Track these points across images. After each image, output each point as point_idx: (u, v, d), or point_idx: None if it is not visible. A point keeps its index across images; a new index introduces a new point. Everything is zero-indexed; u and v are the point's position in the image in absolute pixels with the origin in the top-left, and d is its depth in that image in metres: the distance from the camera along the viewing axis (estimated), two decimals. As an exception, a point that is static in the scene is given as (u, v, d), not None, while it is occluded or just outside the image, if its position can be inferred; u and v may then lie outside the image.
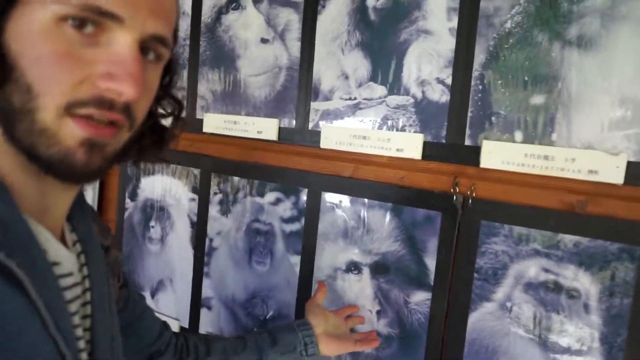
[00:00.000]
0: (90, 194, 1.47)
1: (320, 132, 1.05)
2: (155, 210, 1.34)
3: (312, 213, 1.08)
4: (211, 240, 1.24)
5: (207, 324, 1.24)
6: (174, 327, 1.30)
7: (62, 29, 0.43)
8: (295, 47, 1.08)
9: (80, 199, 0.57)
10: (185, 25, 1.25)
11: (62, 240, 0.53)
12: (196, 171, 1.25)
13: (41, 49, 0.42)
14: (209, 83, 1.22)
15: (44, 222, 0.49)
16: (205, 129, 1.22)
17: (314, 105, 1.06)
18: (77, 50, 0.43)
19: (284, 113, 1.10)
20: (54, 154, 0.44)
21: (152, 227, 1.35)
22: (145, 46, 0.47)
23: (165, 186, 1.32)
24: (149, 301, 1.35)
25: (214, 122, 1.20)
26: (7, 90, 0.43)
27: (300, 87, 1.08)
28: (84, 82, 0.43)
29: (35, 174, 0.46)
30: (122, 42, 0.44)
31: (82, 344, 0.51)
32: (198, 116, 1.24)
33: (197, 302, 1.26)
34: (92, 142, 0.45)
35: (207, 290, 1.24)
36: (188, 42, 1.25)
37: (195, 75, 1.24)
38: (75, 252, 0.54)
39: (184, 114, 0.64)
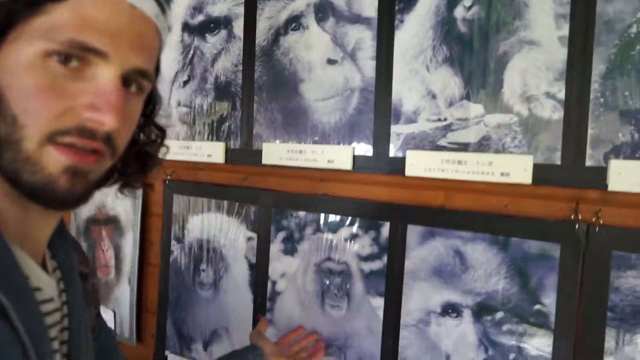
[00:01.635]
0: (131, 236, 1.36)
1: (404, 158, 0.95)
2: (206, 252, 1.23)
3: (396, 249, 0.97)
4: (274, 283, 1.12)
5: (272, 378, 1.12)
6: (233, 383, 1.17)
7: (47, 64, 0.45)
8: (369, 66, 1.00)
9: (61, 226, 0.59)
10: (237, 50, 1.17)
11: (43, 266, 0.54)
12: (254, 207, 1.15)
13: (27, 82, 0.45)
14: (267, 111, 1.13)
15: (26, 247, 0.50)
16: (265, 161, 1.12)
17: (394, 129, 0.97)
18: (61, 83, 0.45)
19: (360, 139, 1.01)
20: (37, 181, 0.46)
21: (203, 270, 1.23)
22: (127, 79, 0.50)
23: (217, 225, 1.21)
24: (201, 353, 1.23)
25: (275, 153, 1.11)
26: None
27: (377, 110, 0.99)
28: (68, 113, 0.45)
29: (18, 200, 0.48)
30: (105, 75, 0.47)
31: None
32: (255, 147, 1.15)
33: (259, 354, 1.14)
34: (75, 169, 0.47)
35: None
36: (240, 67, 1.16)
37: (250, 103, 1.15)
38: (55, 278, 0.56)
39: (166, 141, 0.67)
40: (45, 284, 0.53)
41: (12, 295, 0.44)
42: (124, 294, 1.38)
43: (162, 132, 0.67)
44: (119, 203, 1.40)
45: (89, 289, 0.65)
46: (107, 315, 1.41)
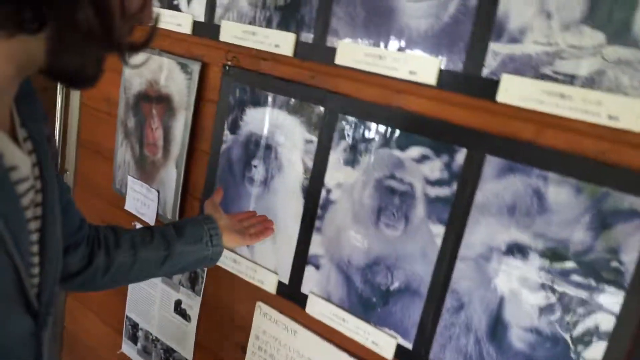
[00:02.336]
0: (183, 118, 1.33)
1: (497, 82, 0.86)
2: (260, 148, 1.19)
3: (469, 178, 0.92)
4: (328, 191, 1.09)
5: (312, 283, 1.13)
6: (272, 281, 1.19)
7: None
8: (477, -31, 0.87)
9: (28, 88, 0.56)
10: None
11: (13, 135, 0.52)
12: (319, 109, 1.09)
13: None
14: (349, 4, 1.02)
15: None
16: (338, 61, 1.04)
17: (494, 46, 0.87)
18: None
19: (450, 52, 0.91)
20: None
21: (255, 166, 1.21)
22: None
23: (276, 121, 1.16)
24: (244, 249, 1.24)
25: (352, 54, 1.02)
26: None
27: (477, 21, 0.88)
28: None
29: (16, 79, 0.49)
30: None
31: (34, 248, 0.55)
32: (328, 43, 1.05)
33: (302, 259, 1.14)
34: None
35: (316, 247, 1.12)
36: (326, -51, 1.04)
37: (332, -7, 1.04)
38: (27, 150, 0.54)
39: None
40: (20, 160, 0.51)
41: None
42: (170, 175, 1.38)
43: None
44: (172, 82, 1.35)
45: (53, 152, 0.64)
46: (151, 194, 1.43)
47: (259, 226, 1.11)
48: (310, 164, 1.12)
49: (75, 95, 1.66)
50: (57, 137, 1.70)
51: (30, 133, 0.56)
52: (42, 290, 0.57)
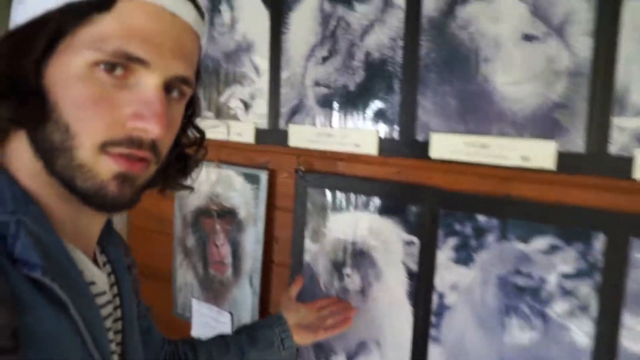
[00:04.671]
0: (253, 231, 1.27)
1: (630, 159, 0.81)
2: (351, 255, 1.13)
3: (614, 267, 0.84)
4: (441, 295, 1.02)
5: (436, 401, 1.03)
6: (388, 403, 1.08)
7: (95, 74, 0.49)
8: (583, 44, 0.85)
9: (108, 221, 0.65)
10: (395, 22, 1.03)
11: (94, 261, 0.60)
12: (415, 207, 1.03)
13: (78, 92, 0.49)
14: (437, 95, 0.99)
15: (79, 244, 0.56)
16: (434, 154, 0.99)
17: (618, 121, 0.83)
18: (109, 92, 0.50)
19: (566, 133, 0.87)
20: (89, 186, 0.52)
21: (348, 275, 1.13)
22: (169, 85, 0.54)
23: (365, 225, 1.10)
24: (344, 367, 1.14)
25: (448, 145, 0.98)
26: (48, 130, 0.50)
27: (593, 97, 0.85)
28: (117, 123, 0.51)
29: (72, 202, 0.53)
30: (148, 84, 0.51)
31: (115, 358, 0.60)
32: (419, 137, 1.02)
33: (420, 373, 1.04)
34: (124, 175, 0.52)
35: (436, 359, 1.02)
36: (401, 43, 1.02)
37: (414, 85, 1.01)
38: (106, 272, 0.62)
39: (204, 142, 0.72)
40: (98, 278, 0.59)
41: (70, 290, 0.49)
42: (243, 294, 1.30)
43: (201, 134, 0.73)
44: (236, 194, 1.30)
45: (133, 280, 0.71)
46: (223, 317, 1.34)
47: (339, 316, 1.05)
48: (414, 267, 1.05)
49: (123, 217, 1.61)
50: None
51: (109, 258, 0.65)
52: None
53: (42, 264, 0.47)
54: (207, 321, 1.38)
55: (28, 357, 0.44)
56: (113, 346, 0.60)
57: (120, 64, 0.50)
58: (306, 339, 1.01)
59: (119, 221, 1.62)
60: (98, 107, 0.50)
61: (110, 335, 0.59)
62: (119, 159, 0.51)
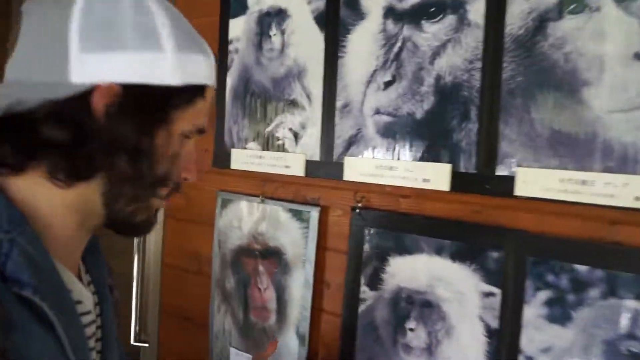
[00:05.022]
0: (301, 274, 1.13)
1: None
2: (416, 306, 0.98)
3: None
4: (529, 359, 0.86)
5: None
6: None
7: (181, 139, 0.59)
8: None
9: (94, 241, 0.67)
10: (472, 42, 0.91)
11: (79, 279, 0.62)
12: (496, 253, 0.89)
13: (172, 153, 0.59)
14: (523, 124, 0.86)
15: (69, 264, 0.58)
16: (520, 191, 0.85)
17: None
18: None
19: (692, 169, 0.73)
20: (143, 219, 0.61)
21: (411, 330, 0.98)
22: None
23: (435, 271, 0.96)
24: None
25: (539, 182, 0.84)
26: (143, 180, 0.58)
27: None
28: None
29: (84, 229, 0.60)
30: (191, 142, 0.62)
31: None
32: (501, 172, 0.88)
33: None
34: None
35: None
36: (479, 65, 0.90)
37: (495, 112, 0.88)
38: (91, 291, 0.64)
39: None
40: (85, 297, 0.60)
41: (58, 309, 0.50)
42: (289, 345, 1.16)
43: None
44: (282, 232, 1.17)
45: (114, 302, 0.71)
46: (265, 369, 1.19)
47: None
48: (494, 323, 0.89)
49: (156, 254, 1.50)
50: (134, 303, 1.51)
51: (93, 278, 0.66)
52: None
53: (33, 283, 0.49)
54: (247, 374, 1.24)
55: None
56: None
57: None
58: None
59: (153, 262, 1.51)
60: (178, 164, 0.60)
61: (93, 355, 0.61)
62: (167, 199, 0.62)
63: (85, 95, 0.52)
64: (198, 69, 0.58)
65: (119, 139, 0.54)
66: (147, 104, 0.55)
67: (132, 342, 1.51)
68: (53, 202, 0.55)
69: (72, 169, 0.54)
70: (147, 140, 0.55)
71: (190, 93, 0.57)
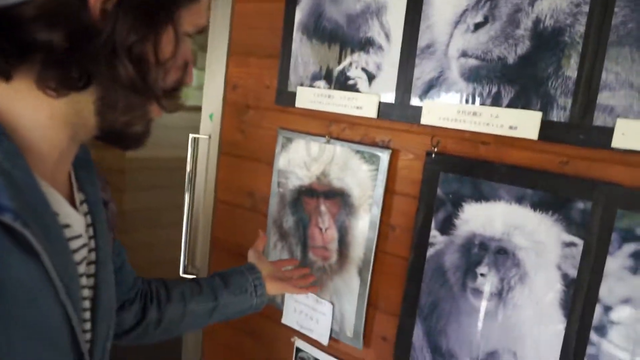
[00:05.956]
0: (366, 216, 1.13)
1: None
2: (489, 253, 0.98)
3: None
4: (607, 308, 0.86)
5: None
6: None
7: (185, 40, 0.57)
8: None
9: (86, 156, 0.64)
10: (578, -16, 0.86)
11: (70, 198, 0.58)
12: (582, 203, 0.88)
13: (178, 54, 0.55)
14: (631, 73, 0.83)
15: (55, 182, 0.54)
16: (618, 143, 0.83)
17: None
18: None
19: None
20: (139, 130, 0.57)
21: (482, 275, 0.99)
22: None
23: (513, 219, 0.95)
24: (470, 378, 1.01)
25: (638, 132, 0.81)
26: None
27: None
28: None
29: (73, 143, 0.55)
30: (189, 42, 0.58)
31: (87, 304, 0.59)
32: (598, 122, 0.86)
33: (570, 397, 0.90)
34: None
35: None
36: (585, 8, 0.86)
37: (600, 61, 0.85)
38: (83, 212, 0.60)
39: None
40: (74, 220, 0.56)
41: (43, 236, 0.46)
42: (350, 286, 1.17)
43: None
44: (349, 174, 1.16)
45: (109, 215, 0.69)
46: (322, 307, 1.22)
47: (302, 279, 1.13)
48: (572, 272, 0.89)
49: (209, 189, 1.50)
50: (183, 236, 1.52)
51: (87, 197, 0.62)
52: (94, 346, 0.59)
53: (14, 207, 0.44)
54: (302, 309, 1.26)
55: None
56: (85, 292, 0.59)
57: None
58: (277, 289, 1.06)
59: (204, 197, 1.51)
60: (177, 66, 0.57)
61: (83, 280, 0.58)
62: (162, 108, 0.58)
63: None
64: None
65: (120, 43, 0.48)
66: (151, 2, 0.50)
67: (180, 273, 1.53)
68: (39, 112, 0.50)
69: (65, 77, 0.48)
70: (152, 45, 0.51)
71: None
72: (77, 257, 0.56)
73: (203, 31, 0.58)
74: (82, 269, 0.57)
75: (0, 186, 0.43)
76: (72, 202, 0.58)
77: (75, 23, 0.46)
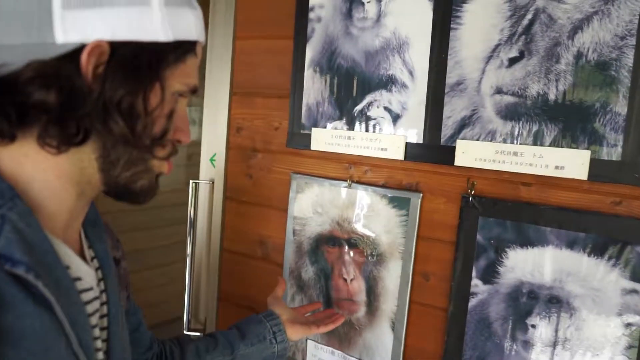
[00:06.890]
0: (397, 265, 1.05)
1: None
2: (540, 302, 0.91)
3: None
4: (679, 360, 0.80)
5: None
6: None
7: (177, 99, 0.59)
8: None
9: (95, 214, 0.66)
10: (626, 16, 0.82)
11: (81, 254, 0.60)
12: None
13: (168, 113, 0.57)
14: (685, 107, 0.78)
15: (67, 238, 0.57)
16: (680, 182, 0.78)
17: None
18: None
19: None
20: (144, 185, 0.59)
21: (534, 326, 0.92)
22: None
23: (564, 265, 0.89)
24: None
25: (703, 172, 0.77)
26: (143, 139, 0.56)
27: None
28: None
29: (82, 200, 0.57)
30: (184, 103, 0.61)
31: (100, 355, 0.60)
32: (654, 160, 0.81)
33: None
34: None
35: None
36: (632, 41, 0.82)
37: (651, 95, 0.80)
38: (94, 267, 0.62)
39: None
40: (85, 273, 0.58)
41: (55, 288, 0.49)
42: (381, 340, 1.09)
43: None
44: (375, 220, 1.09)
45: (121, 273, 0.70)
46: (352, 364, 1.12)
47: (327, 320, 1.03)
48: (635, 321, 0.83)
49: (214, 238, 1.39)
50: (186, 290, 1.41)
51: (97, 253, 0.64)
52: None
53: (26, 261, 0.47)
54: (328, 368, 1.16)
55: (8, 356, 0.45)
56: (99, 343, 0.60)
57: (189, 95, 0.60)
58: (299, 333, 0.99)
59: (207, 247, 1.41)
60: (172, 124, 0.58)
61: (96, 332, 0.59)
62: (169, 162, 0.61)
63: (72, 55, 0.49)
64: (187, 24, 0.55)
65: (110, 100, 0.51)
66: (138, 62, 0.52)
67: (184, 331, 1.41)
68: (46, 173, 0.53)
69: (63, 134, 0.51)
70: (139, 99, 0.53)
71: (181, 50, 0.55)
72: (89, 308, 0.58)
73: (197, 91, 0.59)
74: (94, 320, 0.59)
75: (14, 243, 0.47)
76: (84, 258, 0.60)
77: (69, 84, 0.49)
